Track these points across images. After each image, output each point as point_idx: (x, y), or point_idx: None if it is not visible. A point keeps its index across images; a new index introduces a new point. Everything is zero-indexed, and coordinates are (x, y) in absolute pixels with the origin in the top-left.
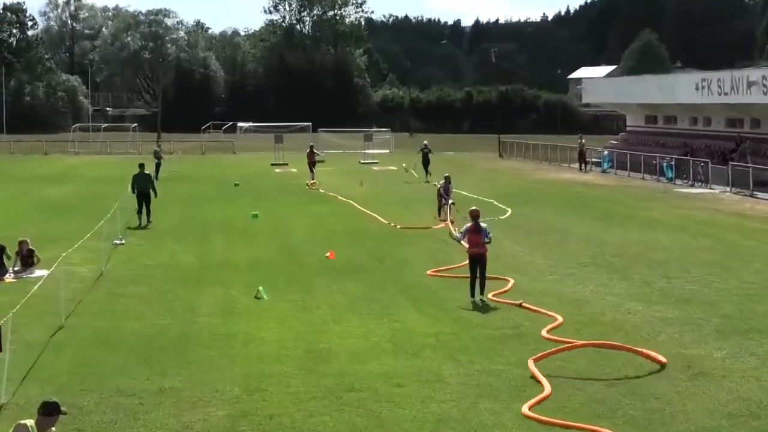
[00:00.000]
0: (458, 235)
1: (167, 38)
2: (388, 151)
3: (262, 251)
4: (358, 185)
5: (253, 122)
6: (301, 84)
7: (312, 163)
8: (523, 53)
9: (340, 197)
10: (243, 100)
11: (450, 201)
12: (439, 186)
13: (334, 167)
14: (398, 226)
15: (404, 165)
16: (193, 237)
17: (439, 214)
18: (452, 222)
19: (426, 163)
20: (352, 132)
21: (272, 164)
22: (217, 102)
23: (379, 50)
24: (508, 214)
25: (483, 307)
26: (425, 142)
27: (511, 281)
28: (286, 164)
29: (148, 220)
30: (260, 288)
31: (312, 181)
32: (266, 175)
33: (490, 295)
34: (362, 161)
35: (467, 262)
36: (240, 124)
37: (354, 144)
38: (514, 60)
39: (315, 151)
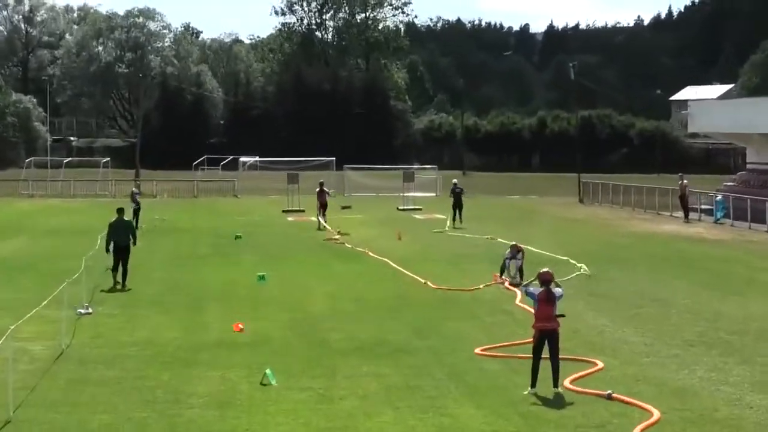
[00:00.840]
0: (530, 289)
1: (150, 47)
2: (434, 194)
3: (270, 325)
4: (395, 238)
5: (259, 156)
6: (322, 107)
7: (323, 205)
8: (612, 68)
9: (371, 253)
10: (247, 127)
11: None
12: (505, 257)
13: (365, 215)
14: (433, 285)
15: (398, 233)
16: (182, 306)
17: (501, 274)
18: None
19: (458, 206)
20: (387, 170)
21: (284, 211)
22: (213, 130)
23: (424, 64)
24: (589, 277)
25: (558, 399)
26: (454, 180)
27: (598, 364)
28: (302, 211)
29: (124, 283)
30: (267, 372)
31: (324, 227)
32: (276, 225)
33: (567, 382)
34: (401, 207)
35: (532, 339)
36: (243, 158)
37: (390, 185)
38: (600, 77)
39: (325, 189)
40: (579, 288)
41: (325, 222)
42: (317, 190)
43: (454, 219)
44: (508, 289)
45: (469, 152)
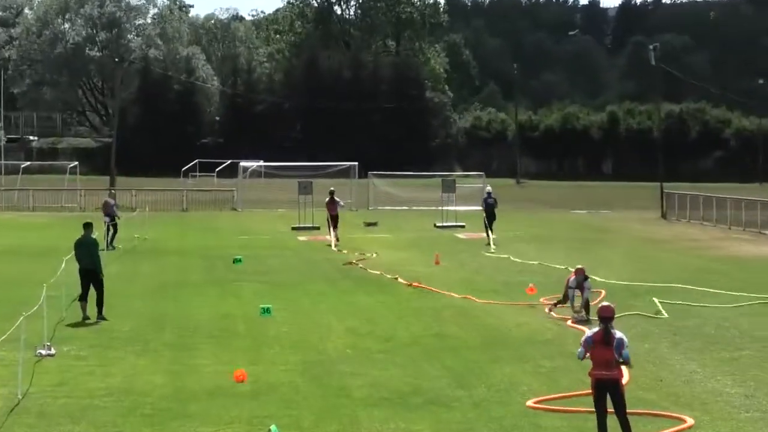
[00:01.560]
0: (579, 350)
1: (128, 25)
2: (481, 207)
3: (276, 369)
4: (431, 263)
5: (264, 161)
6: (342, 100)
7: (334, 218)
8: (702, 52)
9: (401, 280)
10: (249, 125)
11: (585, 296)
12: (568, 285)
13: (394, 233)
14: (479, 300)
15: (436, 256)
16: (167, 346)
17: (557, 304)
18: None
19: (491, 218)
20: (422, 177)
21: (294, 228)
22: (206, 128)
23: (469, 46)
24: (672, 312)
25: None
26: (488, 188)
27: (686, 421)
28: (317, 228)
29: (100, 313)
30: (272, 428)
31: (334, 242)
32: (285, 246)
33: None
34: (439, 224)
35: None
36: (244, 163)
37: (426, 197)
38: (688, 63)
39: (336, 198)
40: (662, 325)
41: (337, 238)
42: (327, 200)
43: (488, 235)
44: (572, 327)
45: (524, 156)
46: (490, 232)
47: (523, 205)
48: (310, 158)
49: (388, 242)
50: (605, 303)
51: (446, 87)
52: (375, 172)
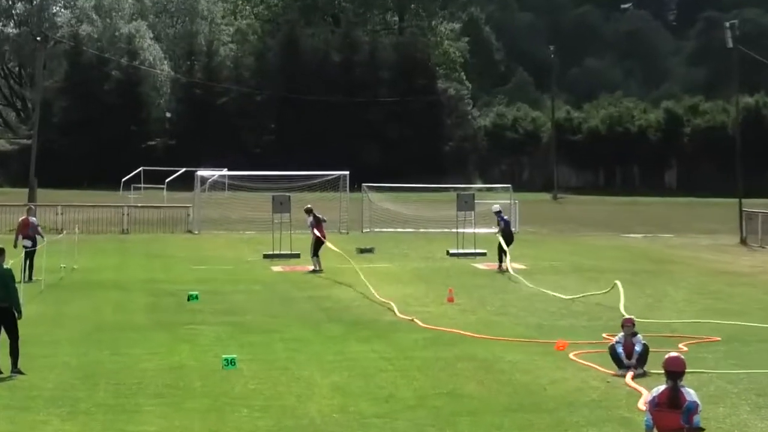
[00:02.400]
0: (646, 417)
1: None
2: (497, 229)
3: None
4: (443, 300)
5: (228, 169)
6: (330, 91)
7: (319, 241)
8: None
9: (399, 314)
10: (209, 123)
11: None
12: (615, 340)
13: (396, 262)
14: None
15: (449, 292)
16: (101, 407)
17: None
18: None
19: (509, 240)
20: (431, 191)
21: (267, 255)
22: (154, 127)
23: (492, 23)
24: (754, 364)
25: None
26: (497, 207)
27: None
28: (296, 255)
29: (15, 366)
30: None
31: (315, 268)
32: (255, 279)
33: None
34: (453, 251)
35: None
36: (202, 172)
37: (436, 215)
38: None
39: (318, 215)
40: (741, 382)
41: (318, 265)
42: (309, 219)
43: (501, 260)
44: (626, 384)
45: (562, 164)
46: (503, 256)
47: (561, 227)
48: (287, 166)
49: (388, 274)
50: (674, 354)
51: (463, 75)
52: (371, 184)
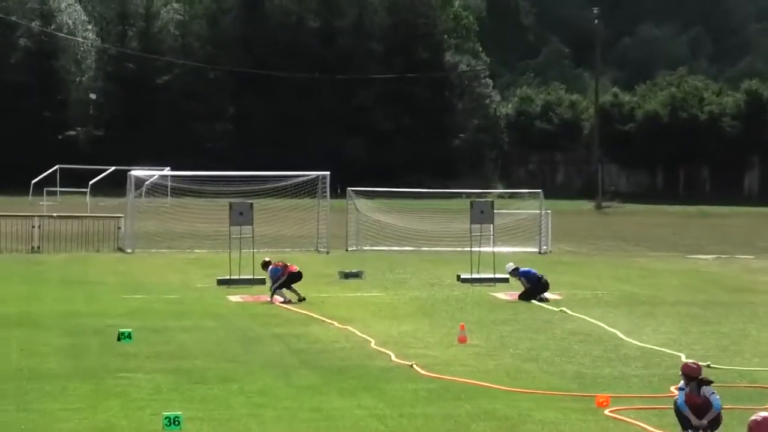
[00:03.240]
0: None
1: None
2: (535, 249)
3: None
4: (452, 340)
5: (172, 169)
6: (304, 68)
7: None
8: None
9: (395, 358)
10: (147, 107)
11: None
12: (678, 386)
13: (390, 292)
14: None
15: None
16: None
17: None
18: None
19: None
20: (437, 197)
21: (222, 281)
22: (75, 112)
23: None
24: None
25: None
26: (511, 266)
27: None
28: (261, 281)
29: None
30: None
31: (280, 300)
32: (206, 312)
33: None
34: (466, 275)
35: None
36: (137, 172)
37: (443, 229)
38: None
39: (284, 263)
40: None
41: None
42: (271, 268)
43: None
44: None
45: (609, 161)
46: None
47: (606, 245)
48: (249, 165)
49: (381, 306)
50: (759, 416)
51: (479, 47)
52: (358, 189)
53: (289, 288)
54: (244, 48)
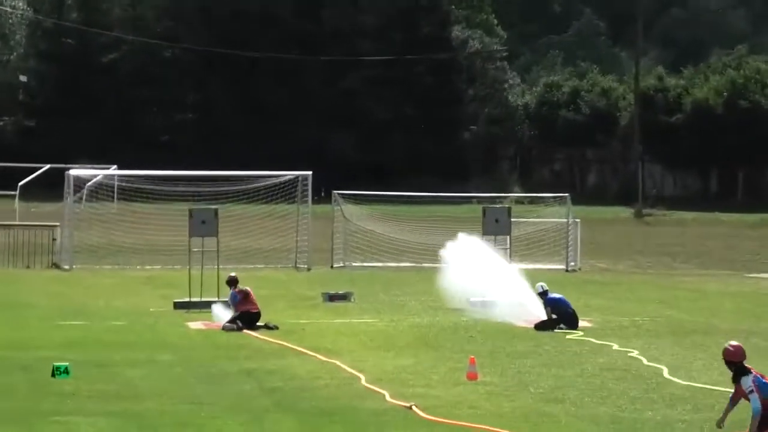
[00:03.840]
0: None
1: None
2: (561, 266)
3: None
4: (460, 376)
5: (120, 167)
6: (281, 47)
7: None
8: None
9: (390, 398)
10: (89, 92)
11: None
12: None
13: (383, 317)
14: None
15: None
16: None
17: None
18: None
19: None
20: (442, 202)
21: (180, 304)
22: (1, 99)
23: None
24: None
25: None
26: (542, 286)
27: None
28: (226, 305)
29: None
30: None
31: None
32: (160, 342)
33: None
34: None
35: None
36: (77, 171)
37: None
38: None
39: (244, 288)
40: None
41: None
42: (234, 290)
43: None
44: None
45: (652, 161)
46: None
47: (648, 261)
48: (214, 163)
49: (374, 334)
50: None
51: (494, 19)
52: (346, 192)
53: (238, 328)
54: (207, 22)
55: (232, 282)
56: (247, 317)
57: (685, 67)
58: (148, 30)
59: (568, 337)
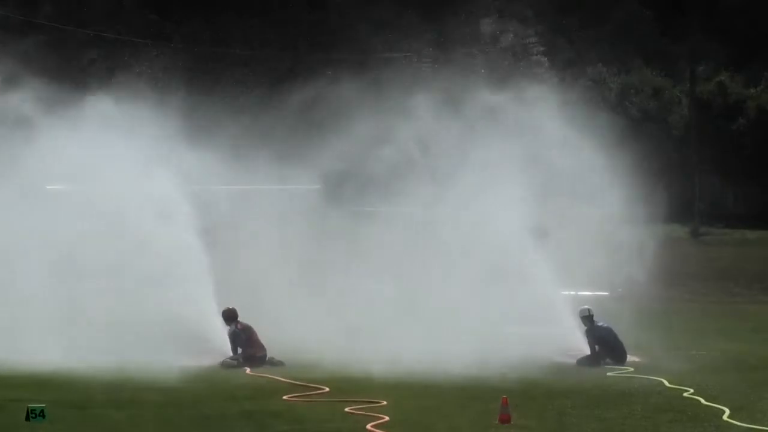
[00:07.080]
0: None
1: None
2: (605, 291)
3: None
4: (490, 417)
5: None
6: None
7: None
8: None
9: None
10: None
11: None
12: None
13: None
14: None
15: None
16: None
17: None
18: None
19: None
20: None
21: None
22: None
23: None
24: None
25: None
26: (586, 309)
27: None
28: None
29: None
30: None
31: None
32: (151, 380)
33: None
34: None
35: None
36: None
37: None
38: None
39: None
40: None
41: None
42: (231, 329)
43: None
44: None
45: (709, 172)
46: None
47: (707, 288)
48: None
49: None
50: None
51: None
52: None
53: (239, 364)
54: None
55: (231, 317)
56: (249, 360)
57: (749, 65)
58: (98, 7)
59: (613, 373)
